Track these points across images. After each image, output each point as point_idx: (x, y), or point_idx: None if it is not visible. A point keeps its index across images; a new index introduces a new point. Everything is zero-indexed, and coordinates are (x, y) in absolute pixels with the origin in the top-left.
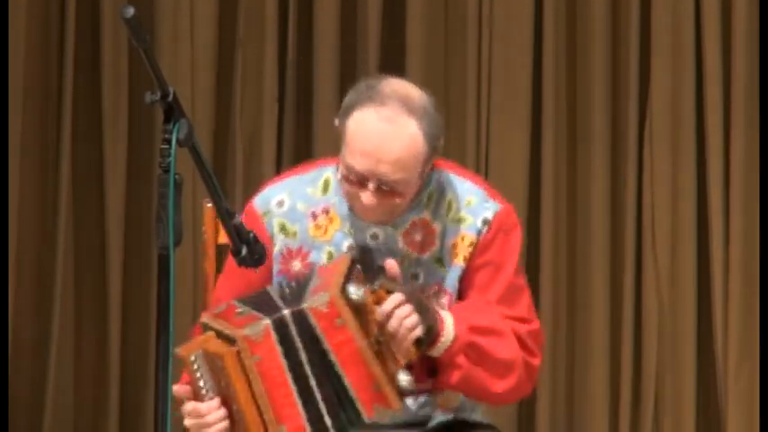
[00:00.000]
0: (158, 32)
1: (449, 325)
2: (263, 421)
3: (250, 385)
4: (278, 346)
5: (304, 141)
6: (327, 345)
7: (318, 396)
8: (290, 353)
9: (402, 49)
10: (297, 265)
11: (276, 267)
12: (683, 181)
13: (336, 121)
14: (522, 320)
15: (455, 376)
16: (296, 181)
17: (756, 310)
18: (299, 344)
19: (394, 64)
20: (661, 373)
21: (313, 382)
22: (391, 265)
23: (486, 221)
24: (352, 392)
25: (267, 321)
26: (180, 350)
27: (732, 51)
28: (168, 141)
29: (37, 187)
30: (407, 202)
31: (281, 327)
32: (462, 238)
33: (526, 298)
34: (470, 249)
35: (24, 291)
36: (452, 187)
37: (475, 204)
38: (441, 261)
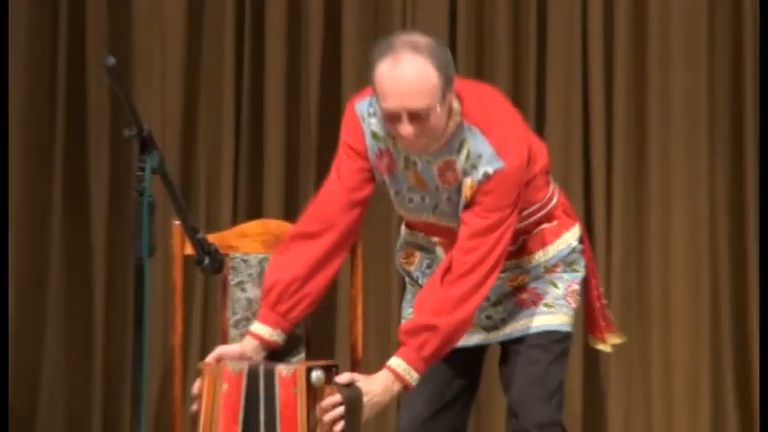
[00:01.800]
0: (135, 77)
1: (412, 375)
2: None
3: (212, 404)
4: (244, 388)
5: (257, 168)
6: (278, 403)
7: None
8: (249, 397)
9: (340, 66)
10: (385, 161)
11: (373, 162)
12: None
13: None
14: (474, 263)
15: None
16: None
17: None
18: (261, 395)
19: (334, 81)
20: None
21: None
22: (345, 377)
23: (486, 175)
24: None
25: (245, 366)
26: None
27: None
28: (143, 169)
29: (33, 205)
30: (438, 127)
31: (253, 375)
32: (470, 182)
33: (492, 241)
34: (470, 192)
35: (22, 290)
36: (474, 141)
37: (484, 159)
38: (459, 192)
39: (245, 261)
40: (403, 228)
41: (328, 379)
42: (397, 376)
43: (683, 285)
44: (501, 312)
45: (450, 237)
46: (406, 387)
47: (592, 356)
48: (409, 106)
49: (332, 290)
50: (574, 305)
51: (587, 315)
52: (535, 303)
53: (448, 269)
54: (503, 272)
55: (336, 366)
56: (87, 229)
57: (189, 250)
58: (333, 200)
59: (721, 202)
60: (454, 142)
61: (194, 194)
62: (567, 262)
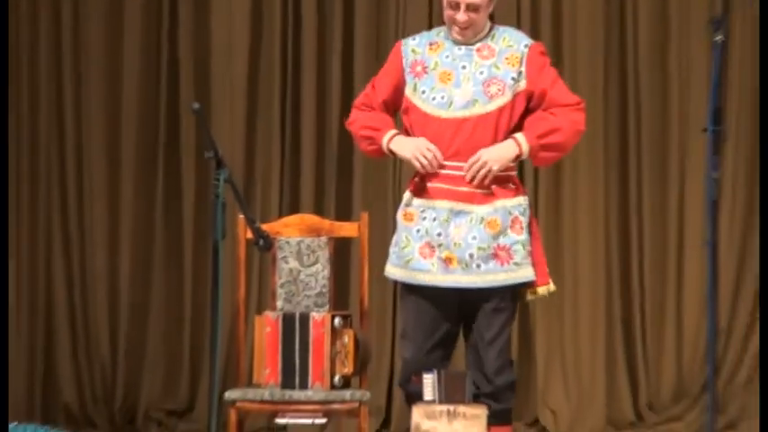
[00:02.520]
0: (213, 115)
1: (523, 143)
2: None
3: (261, 341)
4: (281, 329)
5: (296, 178)
6: (311, 339)
7: (295, 365)
8: (285, 336)
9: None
10: (418, 68)
11: (407, 70)
12: None
13: None
14: (568, 105)
15: (544, 159)
16: (425, 33)
17: None
18: (297, 334)
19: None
20: None
21: (294, 359)
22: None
23: (527, 45)
24: (310, 370)
25: (280, 314)
26: None
27: None
28: (218, 180)
29: (142, 207)
30: (481, 23)
31: (288, 320)
32: (512, 55)
33: (565, 87)
34: (519, 58)
35: (134, 267)
36: (508, 33)
37: (517, 39)
38: (497, 66)
39: (287, 242)
40: (407, 194)
41: (346, 324)
42: (516, 141)
43: (586, 256)
44: (480, 258)
45: (457, 143)
46: (518, 155)
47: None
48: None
49: (345, 260)
50: (530, 260)
51: (538, 269)
52: (507, 262)
53: (553, 110)
54: (482, 210)
55: (350, 316)
56: (180, 223)
57: (249, 235)
58: (374, 106)
59: (612, 201)
60: (489, 35)
61: (252, 196)
62: (525, 224)
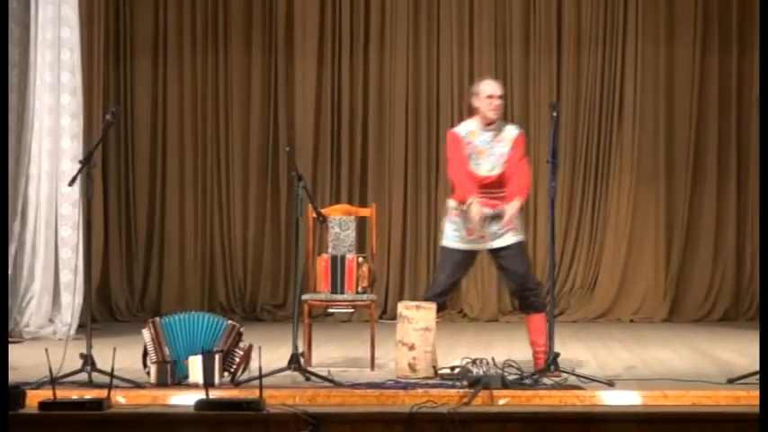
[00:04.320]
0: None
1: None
2: None
3: (317, 271)
4: (330, 263)
5: (337, 181)
6: (346, 269)
7: (337, 281)
8: (333, 267)
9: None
10: (468, 147)
11: (464, 148)
12: None
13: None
14: (525, 164)
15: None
16: (467, 123)
17: None
18: (338, 265)
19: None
20: None
21: (337, 278)
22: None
23: (515, 134)
24: (345, 284)
25: (329, 255)
26: None
27: None
28: (299, 185)
29: (259, 204)
30: (501, 110)
31: (333, 258)
32: (509, 140)
33: (524, 159)
34: (510, 144)
35: (255, 240)
36: (504, 125)
37: (510, 130)
38: (503, 145)
39: (333, 219)
40: (450, 202)
41: (364, 261)
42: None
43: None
44: (491, 232)
45: (487, 184)
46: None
47: None
48: (498, 92)
49: (363, 228)
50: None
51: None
52: (515, 231)
53: (512, 176)
54: (493, 208)
55: (367, 256)
56: (279, 209)
57: (314, 215)
58: (464, 166)
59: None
60: (499, 128)
61: (316, 193)
62: (519, 223)
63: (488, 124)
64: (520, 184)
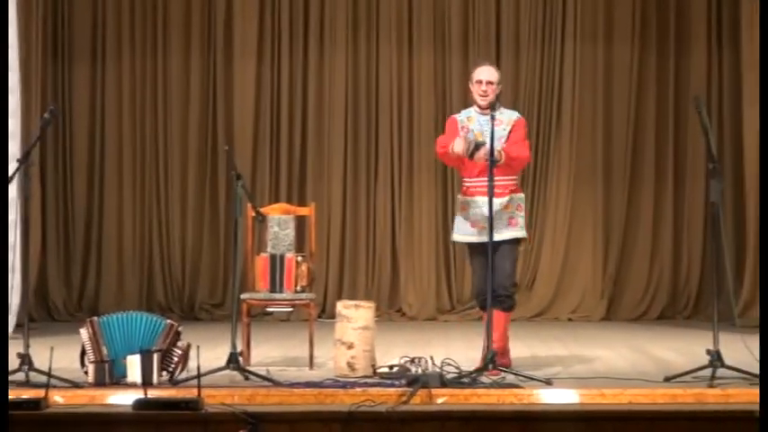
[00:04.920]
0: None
1: (503, 155)
2: None
3: (254, 269)
4: (269, 261)
5: (275, 180)
6: (285, 267)
7: (276, 279)
8: (272, 265)
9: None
10: (464, 130)
11: (460, 130)
12: None
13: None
14: (525, 145)
15: (510, 161)
16: (468, 109)
17: None
18: (277, 263)
19: None
20: None
21: (276, 276)
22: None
23: (515, 117)
24: (284, 282)
25: (269, 254)
26: None
27: None
28: (238, 184)
29: (198, 197)
30: (493, 95)
31: (273, 257)
32: (508, 123)
33: (526, 142)
34: (510, 126)
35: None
36: (506, 110)
37: (510, 114)
38: (502, 128)
39: (272, 218)
40: (459, 197)
41: (303, 260)
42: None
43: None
44: (499, 223)
45: (486, 170)
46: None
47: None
48: (488, 78)
49: (302, 227)
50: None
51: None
52: (514, 227)
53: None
54: (501, 198)
55: (305, 255)
56: (218, 207)
57: (252, 214)
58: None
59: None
60: (496, 110)
61: (254, 192)
62: (522, 214)
63: (484, 109)
64: (515, 149)
